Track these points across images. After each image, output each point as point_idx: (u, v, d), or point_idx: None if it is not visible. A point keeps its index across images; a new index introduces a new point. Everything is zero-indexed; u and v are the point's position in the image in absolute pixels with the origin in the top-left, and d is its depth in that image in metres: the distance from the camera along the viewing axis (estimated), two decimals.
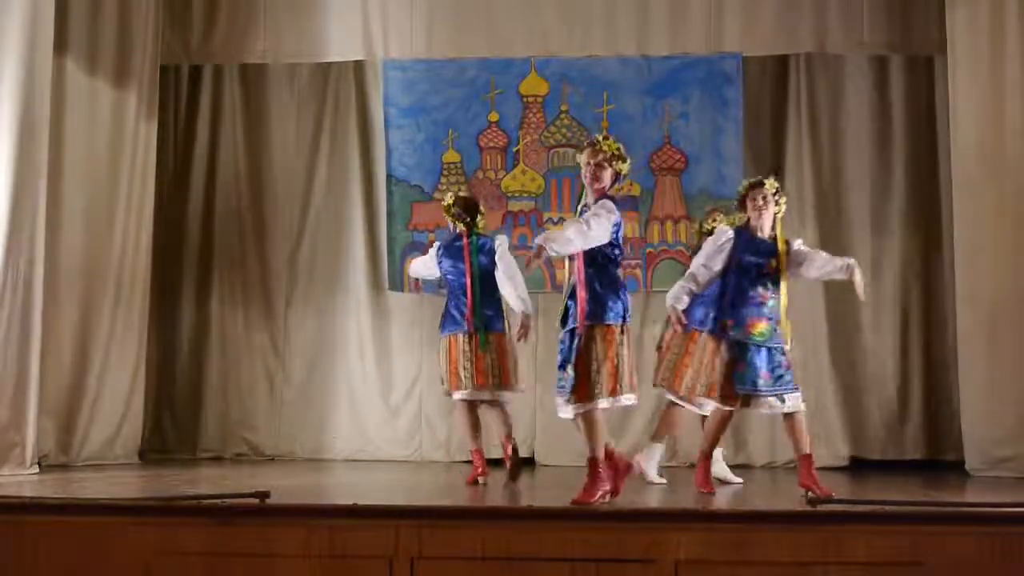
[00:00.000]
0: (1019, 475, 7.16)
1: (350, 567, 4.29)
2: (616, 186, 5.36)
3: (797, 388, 5.75)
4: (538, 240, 5.04)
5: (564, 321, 5.29)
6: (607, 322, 5.17)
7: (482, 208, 6.91)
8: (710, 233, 6.33)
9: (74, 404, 7.84)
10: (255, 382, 8.90)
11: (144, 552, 4.33)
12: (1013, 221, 7.45)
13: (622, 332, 5.20)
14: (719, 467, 6.77)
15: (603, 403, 5.15)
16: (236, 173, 9.03)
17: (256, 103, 9.08)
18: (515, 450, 6.61)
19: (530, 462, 8.42)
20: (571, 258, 5.27)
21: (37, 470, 7.01)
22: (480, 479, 6.61)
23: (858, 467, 8.20)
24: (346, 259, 8.91)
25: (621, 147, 5.34)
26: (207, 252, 9.01)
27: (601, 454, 5.20)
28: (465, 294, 6.60)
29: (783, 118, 8.69)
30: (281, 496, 4.78)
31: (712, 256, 5.90)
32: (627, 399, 5.23)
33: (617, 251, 5.25)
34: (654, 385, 6.96)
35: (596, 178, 5.25)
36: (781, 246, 5.83)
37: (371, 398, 8.82)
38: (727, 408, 5.84)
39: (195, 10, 8.87)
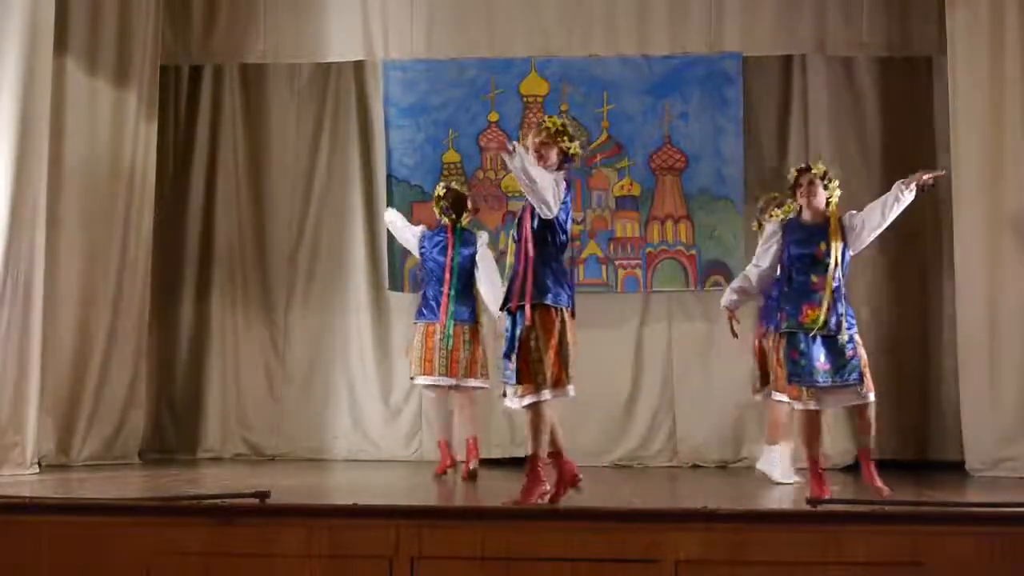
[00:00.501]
0: (1019, 475, 7.16)
1: (350, 567, 4.28)
2: (567, 166, 5.32)
3: (863, 379, 5.57)
4: (515, 145, 5.03)
5: (505, 304, 5.25)
6: (547, 302, 5.10)
7: (469, 205, 7.19)
8: None
9: (74, 404, 7.84)
10: (255, 382, 8.89)
11: (144, 552, 4.32)
12: (1013, 220, 7.45)
13: (563, 319, 5.13)
14: (767, 464, 6.73)
15: (546, 394, 5.08)
16: (236, 173, 9.02)
17: (256, 103, 9.07)
18: (477, 453, 7.05)
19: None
20: (517, 240, 5.26)
21: (37, 470, 7.01)
22: (449, 470, 6.94)
23: (858, 467, 8.19)
24: (346, 259, 8.91)
25: (567, 124, 5.33)
26: (207, 252, 9.00)
27: (543, 452, 5.14)
28: (443, 286, 6.94)
29: (783, 118, 8.69)
30: (281, 496, 4.78)
31: (761, 254, 5.83)
32: (571, 391, 5.15)
33: (563, 237, 5.21)
34: (770, 389, 6.83)
35: (541, 157, 5.25)
36: (833, 225, 5.68)
37: (371, 398, 8.82)
38: (802, 407, 5.67)
39: (195, 10, 8.86)
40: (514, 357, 5.11)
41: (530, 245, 5.18)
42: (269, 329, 8.93)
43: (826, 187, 5.79)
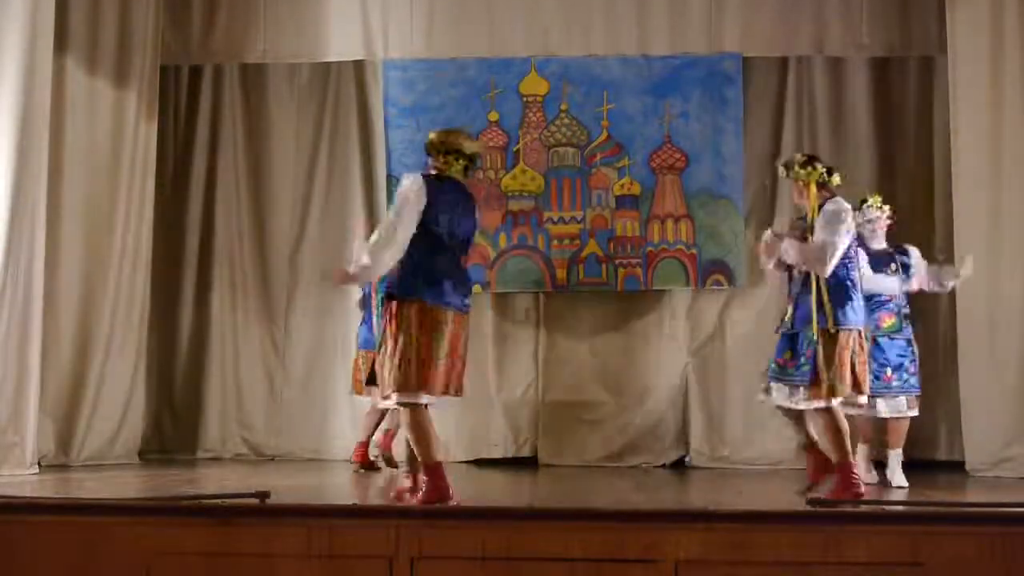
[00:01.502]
0: (1019, 475, 7.16)
1: (350, 567, 4.28)
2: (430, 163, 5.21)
3: (803, 384, 5.38)
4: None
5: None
6: (393, 292, 4.90)
7: None
8: None
9: (74, 404, 7.84)
10: (255, 382, 8.89)
11: (144, 552, 4.32)
12: (1013, 220, 7.46)
13: (410, 316, 4.86)
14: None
15: (395, 397, 4.90)
16: (236, 173, 9.02)
17: (256, 103, 9.07)
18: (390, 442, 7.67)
19: (532, 462, 8.43)
20: None
21: (37, 470, 7.01)
22: (363, 469, 7.54)
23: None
24: (346, 259, 8.90)
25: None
26: (207, 252, 9.00)
27: (427, 457, 4.93)
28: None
29: (783, 118, 8.68)
30: (281, 496, 4.78)
31: None
32: (424, 398, 4.91)
33: (444, 238, 4.96)
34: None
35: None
36: (811, 215, 5.58)
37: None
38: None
39: (195, 10, 8.85)
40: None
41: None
42: (269, 329, 8.92)
43: (794, 178, 5.68)
